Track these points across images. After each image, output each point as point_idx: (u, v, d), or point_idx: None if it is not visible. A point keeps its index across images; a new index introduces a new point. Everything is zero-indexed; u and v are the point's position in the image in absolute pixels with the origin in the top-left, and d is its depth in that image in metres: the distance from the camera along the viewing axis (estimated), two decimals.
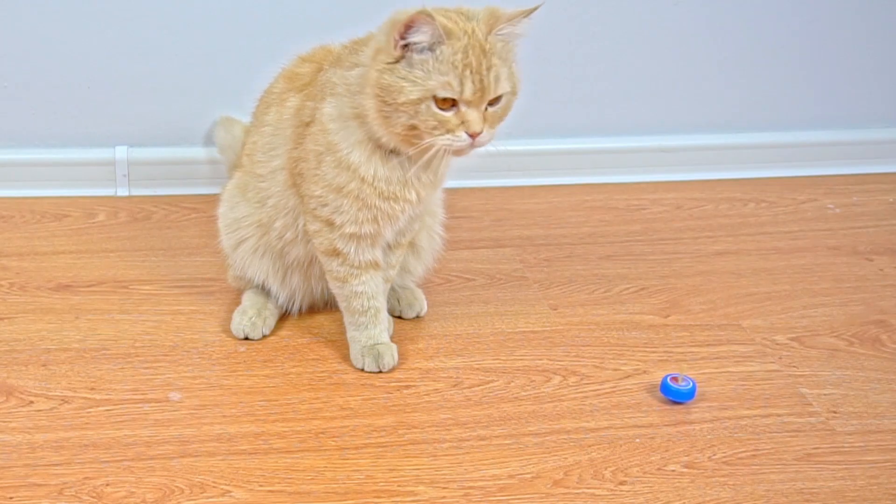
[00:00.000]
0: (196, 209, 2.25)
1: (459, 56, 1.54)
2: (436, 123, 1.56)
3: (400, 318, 1.92)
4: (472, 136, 1.57)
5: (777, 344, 1.88)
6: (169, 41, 2.22)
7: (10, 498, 1.47)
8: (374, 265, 1.75)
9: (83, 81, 2.24)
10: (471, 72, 1.54)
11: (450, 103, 1.56)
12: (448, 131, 1.57)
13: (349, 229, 1.70)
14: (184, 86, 2.26)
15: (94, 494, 1.49)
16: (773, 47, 2.43)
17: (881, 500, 1.54)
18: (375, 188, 1.65)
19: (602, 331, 1.90)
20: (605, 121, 2.43)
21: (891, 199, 2.43)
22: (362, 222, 1.69)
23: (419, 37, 1.53)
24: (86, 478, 1.52)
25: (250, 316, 1.84)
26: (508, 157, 2.38)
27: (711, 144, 2.48)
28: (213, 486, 1.51)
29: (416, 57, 1.55)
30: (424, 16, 1.51)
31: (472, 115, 1.57)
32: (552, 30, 2.32)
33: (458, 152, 1.61)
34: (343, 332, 1.81)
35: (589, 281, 2.06)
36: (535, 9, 1.58)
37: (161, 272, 2.03)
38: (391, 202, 1.67)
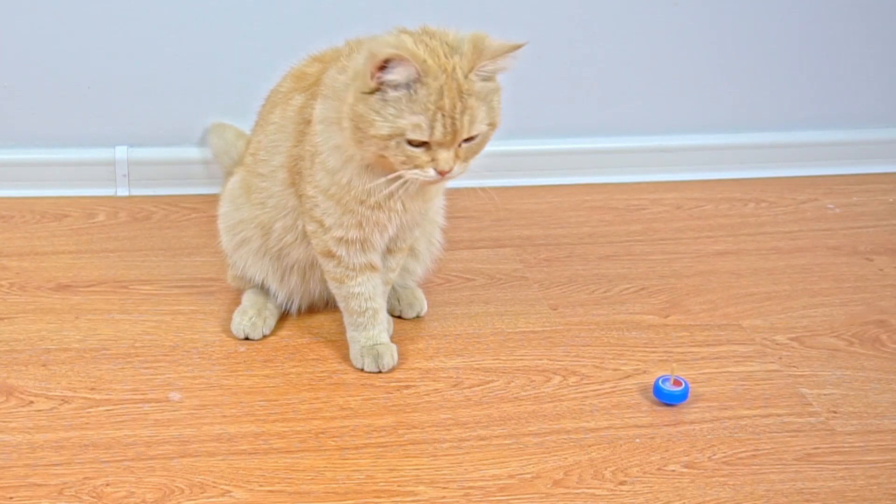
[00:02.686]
0: (196, 209, 2.25)
1: (433, 97, 1.50)
2: (404, 158, 1.54)
3: (400, 317, 1.92)
4: (441, 173, 1.55)
5: (777, 344, 1.88)
6: (169, 42, 2.22)
7: (10, 498, 1.47)
8: (371, 267, 1.75)
9: (83, 81, 2.23)
10: (443, 115, 1.50)
11: (422, 141, 1.53)
12: (417, 166, 1.54)
13: (336, 233, 1.69)
14: (184, 86, 2.26)
15: (94, 494, 1.49)
16: (773, 47, 2.43)
17: (881, 500, 1.54)
18: (353, 195, 1.64)
19: (602, 331, 1.90)
20: (605, 121, 2.43)
21: (891, 199, 2.43)
22: (347, 227, 1.68)
23: (394, 76, 1.50)
24: (86, 478, 1.52)
25: (250, 316, 1.84)
26: (508, 157, 2.38)
27: (711, 144, 2.48)
28: (213, 486, 1.51)
29: (390, 93, 1.51)
30: (401, 57, 1.47)
31: (443, 155, 1.53)
32: (552, 30, 2.32)
33: (428, 184, 1.59)
34: (343, 332, 1.81)
35: (589, 281, 2.06)
36: (521, 46, 1.52)
37: (161, 272, 2.02)
38: (375, 210, 1.65)
